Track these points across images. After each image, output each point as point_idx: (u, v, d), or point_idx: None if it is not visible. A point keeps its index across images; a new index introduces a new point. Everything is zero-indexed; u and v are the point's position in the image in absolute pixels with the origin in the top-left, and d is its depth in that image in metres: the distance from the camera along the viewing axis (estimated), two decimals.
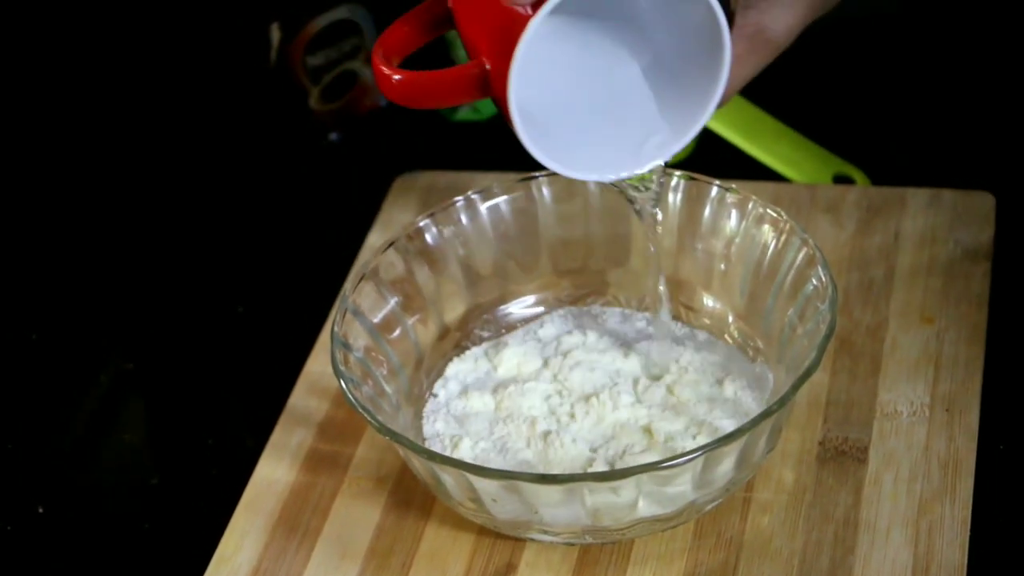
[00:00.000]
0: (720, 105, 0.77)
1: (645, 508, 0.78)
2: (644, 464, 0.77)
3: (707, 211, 0.89)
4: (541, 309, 0.92)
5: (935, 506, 0.81)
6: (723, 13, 0.74)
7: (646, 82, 0.79)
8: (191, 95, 1.19)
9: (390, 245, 0.88)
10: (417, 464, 0.80)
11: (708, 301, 0.90)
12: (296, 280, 1.03)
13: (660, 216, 0.83)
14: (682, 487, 0.78)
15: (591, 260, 0.92)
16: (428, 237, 0.90)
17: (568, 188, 0.91)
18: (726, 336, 0.89)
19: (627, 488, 0.77)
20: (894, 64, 1.13)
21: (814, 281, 0.83)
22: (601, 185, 0.90)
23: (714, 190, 0.89)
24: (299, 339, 0.95)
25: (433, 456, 0.78)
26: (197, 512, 0.89)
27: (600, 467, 0.82)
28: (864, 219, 0.97)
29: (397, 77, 0.78)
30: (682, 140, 0.78)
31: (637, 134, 0.79)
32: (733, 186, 0.88)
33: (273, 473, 0.88)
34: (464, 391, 0.88)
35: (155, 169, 1.14)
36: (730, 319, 0.89)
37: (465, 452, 0.84)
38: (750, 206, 0.87)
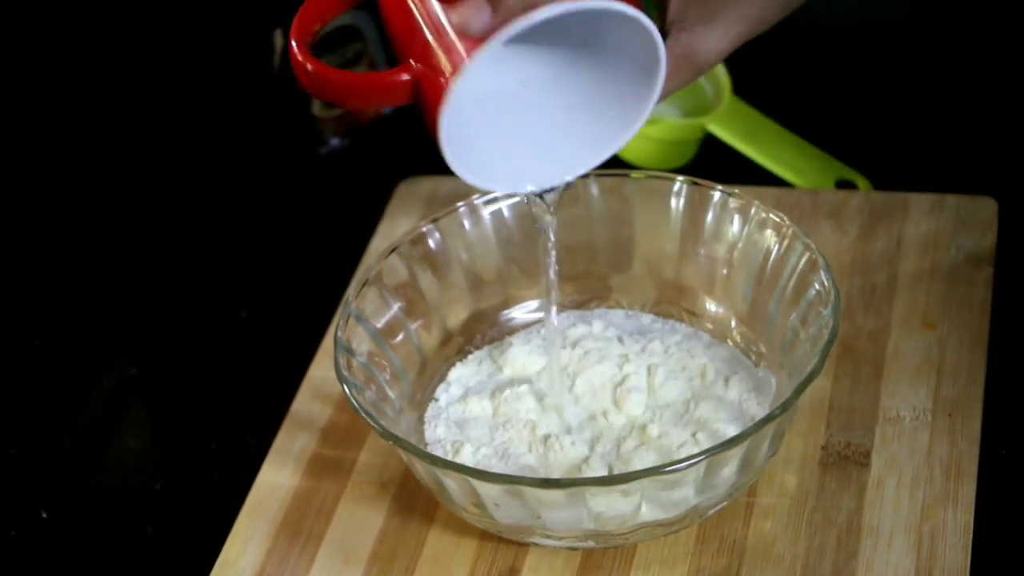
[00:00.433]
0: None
1: (648, 513, 0.78)
2: (647, 468, 0.77)
3: (710, 216, 0.89)
4: (543, 314, 0.92)
5: (938, 511, 0.81)
6: (660, 38, 0.73)
7: (573, 96, 0.78)
8: (195, 101, 1.19)
9: (393, 250, 0.88)
10: (420, 469, 0.80)
11: (711, 306, 0.90)
12: (299, 285, 1.03)
13: (554, 225, 0.83)
14: (685, 491, 0.78)
15: (594, 265, 0.92)
16: (431, 242, 0.90)
17: (571, 193, 0.91)
18: (728, 341, 0.89)
19: (630, 492, 0.77)
20: (896, 70, 1.13)
21: (816, 286, 0.83)
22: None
23: (717, 195, 0.89)
24: (302, 344, 0.95)
25: (436, 461, 0.79)
26: (200, 517, 0.89)
27: (598, 468, 0.82)
28: (867, 224, 0.97)
29: (309, 67, 0.75)
30: (605, 153, 0.78)
31: (560, 147, 0.79)
32: (736, 191, 0.88)
33: (276, 478, 0.88)
34: (464, 396, 0.88)
35: (159, 174, 1.14)
36: (733, 324, 0.89)
37: (466, 458, 0.84)
38: (753, 211, 0.88)
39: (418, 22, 0.72)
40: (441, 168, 1.07)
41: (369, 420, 0.80)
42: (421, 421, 0.87)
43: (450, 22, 0.71)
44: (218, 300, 1.03)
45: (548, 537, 0.80)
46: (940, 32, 1.15)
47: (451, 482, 0.79)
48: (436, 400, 0.88)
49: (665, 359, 0.87)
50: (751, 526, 0.82)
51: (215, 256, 1.07)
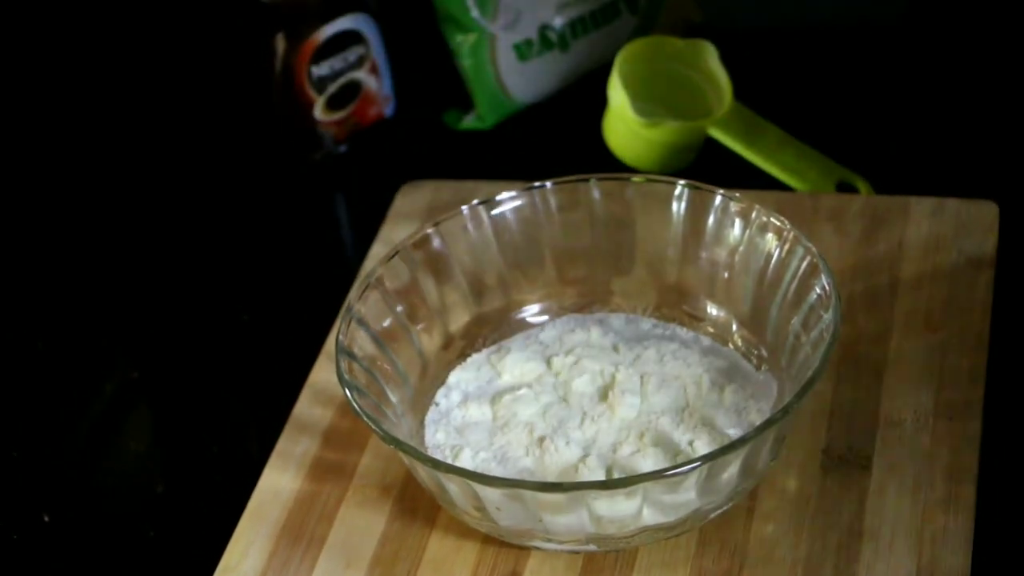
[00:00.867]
0: None
1: (649, 516, 0.78)
2: (649, 472, 0.77)
3: (711, 220, 0.89)
4: (546, 318, 0.92)
5: (939, 515, 0.81)
6: None
7: None
8: (196, 104, 1.19)
9: (395, 254, 0.88)
10: (422, 473, 0.81)
11: (712, 309, 0.90)
12: (301, 289, 1.03)
13: None
14: (686, 495, 0.78)
15: (595, 268, 0.92)
16: (433, 246, 0.90)
17: (572, 197, 0.91)
18: (729, 345, 0.89)
19: (631, 496, 0.77)
20: (897, 73, 1.13)
21: (818, 290, 0.83)
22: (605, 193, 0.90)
23: (718, 199, 0.89)
24: (304, 348, 0.96)
25: (438, 465, 0.79)
26: (202, 520, 0.89)
27: (595, 468, 0.82)
28: (868, 228, 0.97)
29: None
30: None
31: None
32: (737, 195, 0.88)
33: (278, 481, 0.88)
34: (464, 400, 0.88)
35: (160, 178, 1.14)
36: (734, 327, 0.89)
37: (466, 462, 0.84)
38: (754, 215, 0.88)
39: None
40: (443, 172, 1.07)
41: (371, 424, 0.80)
42: (422, 425, 0.87)
43: None
44: (220, 303, 1.03)
45: (549, 541, 0.80)
46: (941, 35, 1.15)
47: (453, 486, 0.79)
48: (436, 404, 0.88)
49: (659, 367, 0.87)
50: (752, 530, 0.82)
51: (217, 260, 1.07)
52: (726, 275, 0.89)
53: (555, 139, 1.13)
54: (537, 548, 0.82)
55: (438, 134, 1.14)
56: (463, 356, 0.91)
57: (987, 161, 1.05)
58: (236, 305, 1.03)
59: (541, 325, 0.92)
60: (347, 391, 0.81)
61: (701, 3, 1.18)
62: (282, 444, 0.90)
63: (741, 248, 0.88)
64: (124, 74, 1.22)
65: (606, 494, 0.77)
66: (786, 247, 0.86)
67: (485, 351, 0.91)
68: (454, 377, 0.89)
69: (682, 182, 0.90)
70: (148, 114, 1.19)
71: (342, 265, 1.05)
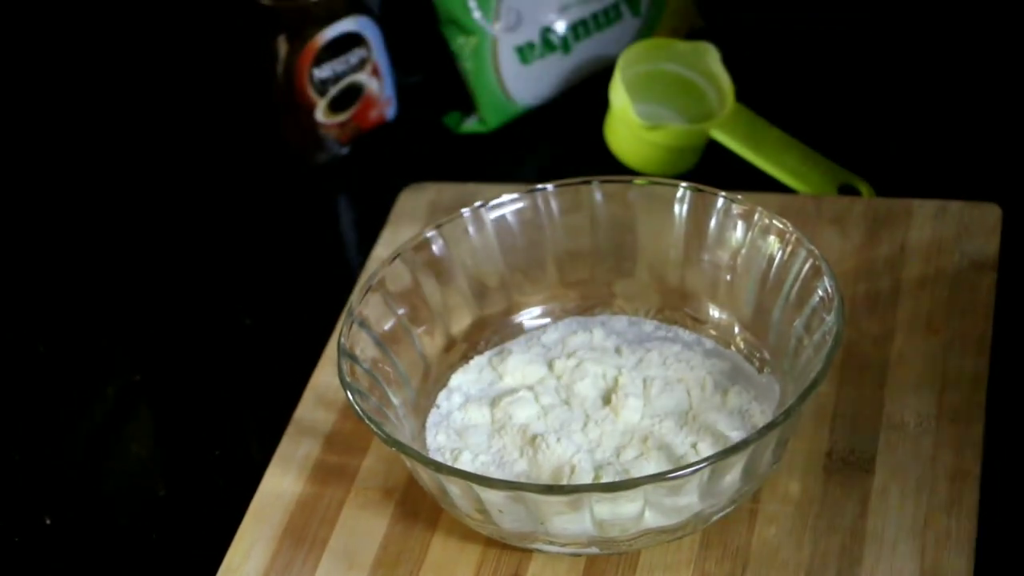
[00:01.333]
0: None
1: (651, 519, 0.78)
2: (651, 475, 0.77)
3: (713, 222, 0.89)
4: (548, 320, 0.92)
5: (941, 517, 0.81)
6: None
7: None
8: (198, 107, 1.19)
9: (396, 257, 0.88)
10: (424, 475, 0.80)
11: (714, 312, 0.90)
12: (303, 292, 1.03)
13: None
14: (689, 498, 0.78)
15: (597, 271, 0.92)
16: (434, 249, 0.90)
17: (574, 200, 0.91)
18: (732, 347, 0.89)
19: (633, 498, 0.77)
20: (900, 75, 1.13)
21: (820, 292, 0.83)
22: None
23: (720, 201, 0.89)
24: (306, 351, 0.95)
25: (440, 467, 0.79)
26: (204, 523, 0.89)
27: (586, 465, 0.82)
28: (870, 230, 0.97)
29: None
30: None
31: None
32: (739, 197, 0.88)
33: (280, 484, 0.88)
34: (464, 403, 0.88)
35: (162, 181, 1.14)
36: (736, 330, 0.89)
37: (465, 465, 0.84)
38: (756, 217, 0.88)
39: None
40: (445, 174, 1.07)
41: (373, 426, 0.80)
42: (423, 427, 0.87)
43: None
44: (222, 307, 1.03)
45: (552, 543, 0.80)
46: (943, 38, 1.15)
47: (455, 488, 0.79)
48: (438, 407, 0.88)
49: (662, 370, 0.87)
50: (755, 532, 0.82)
51: (219, 263, 1.07)
52: (728, 277, 0.89)
53: (557, 141, 1.13)
54: (539, 551, 0.82)
55: (440, 136, 1.14)
56: (465, 359, 0.91)
57: (989, 163, 1.05)
58: (238, 308, 1.03)
59: (543, 327, 0.92)
60: (349, 394, 0.81)
61: (703, 7, 1.18)
62: (284, 447, 0.90)
63: (743, 250, 0.88)
64: (126, 77, 1.22)
65: (608, 496, 0.77)
66: (788, 249, 0.86)
67: (487, 354, 0.91)
68: (456, 380, 0.89)
69: (684, 184, 0.90)
70: (150, 117, 1.19)
71: (344, 268, 1.05)
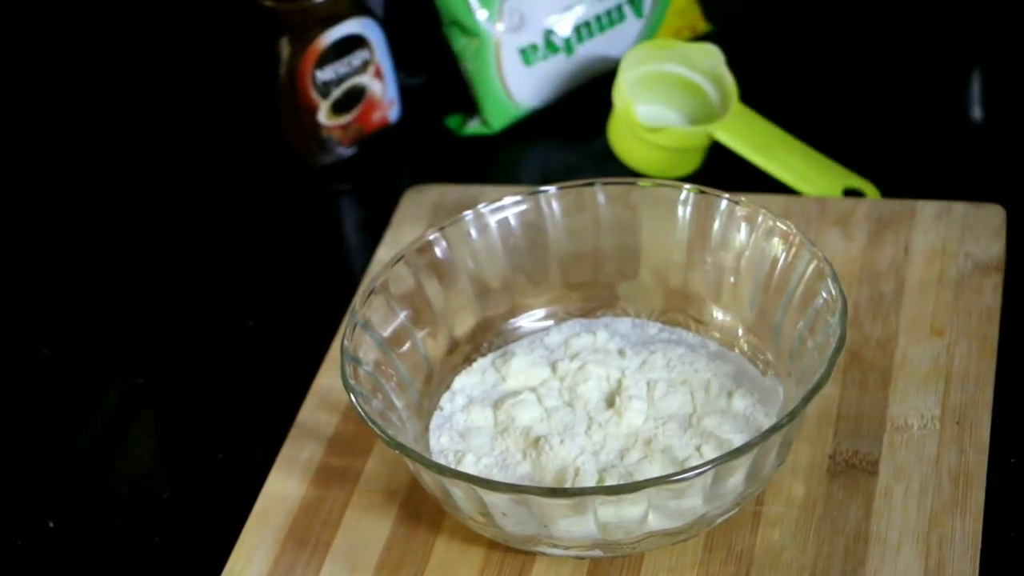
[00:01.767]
0: None
1: (655, 522, 0.78)
2: (655, 478, 0.77)
3: (717, 224, 0.89)
4: (551, 322, 0.92)
5: (946, 519, 0.81)
6: None
7: None
8: (201, 109, 1.19)
9: (399, 259, 0.88)
10: (427, 478, 0.80)
11: (718, 314, 0.90)
12: (306, 294, 1.03)
13: None
14: (692, 500, 0.78)
15: (600, 273, 0.92)
16: (437, 251, 0.90)
17: (577, 202, 0.91)
18: (736, 349, 0.89)
19: (637, 501, 0.77)
20: (904, 77, 1.13)
21: (824, 294, 0.83)
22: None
23: (724, 203, 0.89)
24: (309, 353, 0.95)
25: (443, 470, 0.78)
26: (207, 526, 0.89)
27: (590, 467, 0.82)
28: (874, 232, 0.97)
29: None
30: None
31: None
32: (743, 199, 0.88)
33: (283, 487, 0.88)
34: (467, 405, 0.88)
35: (164, 183, 1.14)
36: (740, 332, 0.89)
37: (468, 468, 0.84)
38: (760, 219, 0.87)
39: None
40: (448, 176, 1.07)
41: (376, 429, 0.80)
42: (426, 430, 0.87)
43: None
44: (224, 309, 1.03)
45: (555, 546, 0.80)
46: (948, 40, 1.15)
47: (458, 491, 0.79)
48: (441, 409, 0.88)
49: (666, 373, 0.87)
50: (759, 535, 0.82)
51: (221, 265, 1.07)
52: (732, 280, 0.89)
53: (560, 143, 1.13)
54: (543, 554, 0.82)
55: (443, 138, 1.14)
56: (468, 361, 0.91)
57: (993, 165, 1.05)
58: (241, 310, 1.03)
59: (546, 329, 0.92)
60: (352, 396, 0.81)
61: (706, 7, 1.18)
62: (287, 449, 0.90)
63: (747, 252, 0.88)
64: (129, 79, 1.22)
65: (612, 499, 0.76)
66: (792, 251, 0.86)
67: (490, 356, 0.91)
68: (459, 382, 0.89)
69: (688, 186, 0.89)
70: (153, 119, 1.19)
71: (347, 270, 1.05)
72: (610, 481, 0.82)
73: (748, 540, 0.82)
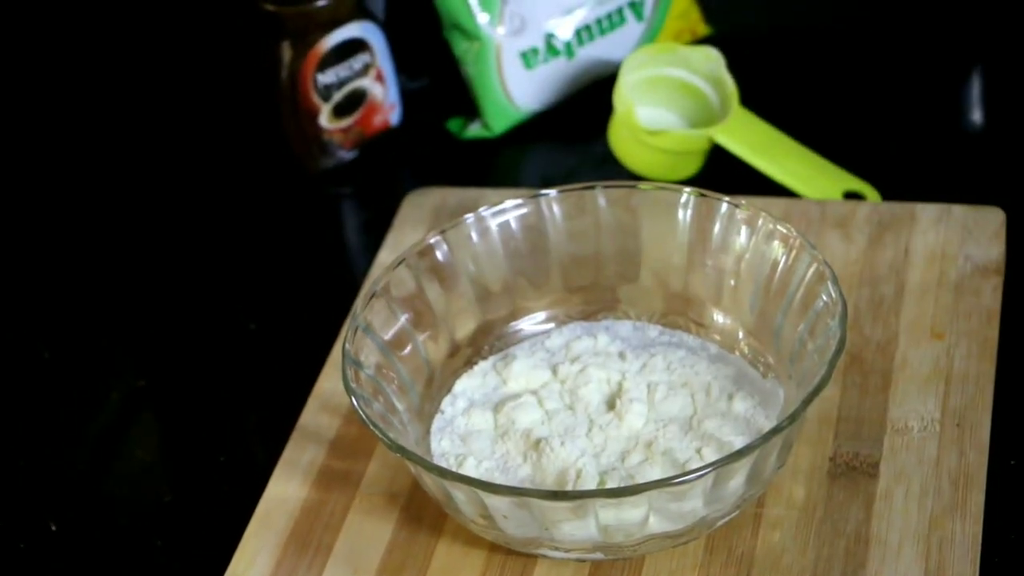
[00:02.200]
0: None
1: (656, 524, 0.78)
2: (655, 480, 0.77)
3: (717, 227, 0.89)
4: (552, 325, 0.92)
5: (946, 521, 0.81)
6: None
7: None
8: (202, 113, 1.19)
9: (401, 262, 0.89)
10: (428, 481, 0.81)
11: (718, 317, 0.90)
12: (308, 297, 1.03)
13: None
14: (693, 503, 0.78)
15: (601, 276, 0.92)
16: (438, 254, 0.90)
17: (578, 205, 0.91)
18: (736, 352, 0.89)
19: (638, 504, 0.77)
20: (904, 79, 1.13)
21: (824, 297, 0.83)
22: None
23: (724, 206, 0.89)
24: (311, 356, 0.96)
25: (444, 473, 0.79)
26: (209, 529, 0.89)
27: (591, 469, 0.82)
28: (874, 235, 0.97)
29: None
30: None
31: None
32: (743, 202, 0.88)
33: (285, 490, 0.88)
34: (468, 408, 0.88)
35: (166, 186, 1.14)
36: (740, 335, 0.89)
37: (470, 471, 0.84)
38: (760, 222, 0.88)
39: None
40: (449, 179, 1.08)
41: (377, 432, 0.80)
42: (427, 433, 0.87)
43: None
44: (226, 312, 1.03)
45: (556, 549, 0.80)
46: (947, 43, 1.15)
47: (459, 494, 0.79)
48: (442, 412, 0.88)
49: (667, 375, 0.87)
50: (759, 537, 0.82)
51: (223, 268, 1.07)
52: (732, 282, 0.89)
53: (561, 147, 1.13)
54: (544, 556, 0.82)
55: (444, 142, 1.14)
56: (469, 364, 0.91)
57: (993, 167, 1.05)
58: (242, 313, 1.03)
59: (547, 333, 0.92)
60: (353, 399, 0.81)
61: (707, 11, 1.18)
62: (289, 452, 0.90)
63: (747, 255, 0.88)
64: (130, 82, 1.22)
65: (613, 502, 0.77)
66: (792, 254, 0.86)
67: (491, 359, 0.91)
68: (460, 385, 0.89)
69: (688, 189, 0.90)
70: (154, 122, 1.19)
71: (348, 273, 1.05)
72: (611, 484, 0.82)
73: (749, 542, 0.82)
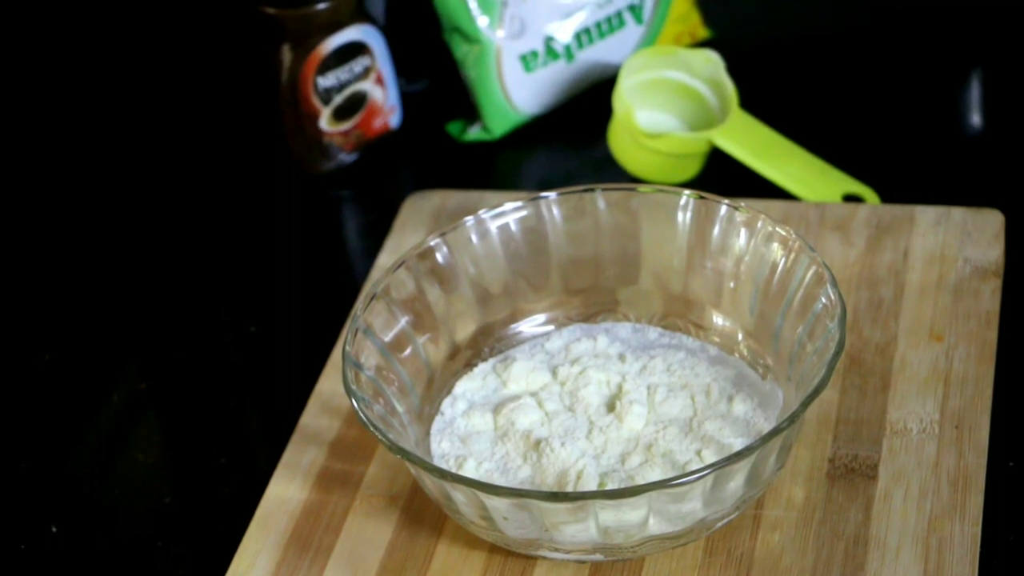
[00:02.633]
0: None
1: (656, 526, 0.79)
2: (655, 482, 0.77)
3: (716, 230, 0.89)
4: (551, 328, 0.92)
5: (945, 523, 0.81)
6: None
7: None
8: (202, 116, 1.19)
9: (401, 264, 0.89)
10: (428, 482, 0.81)
11: (717, 319, 0.90)
12: (308, 300, 1.03)
13: None
14: (692, 504, 0.78)
15: (601, 278, 0.92)
16: (438, 256, 0.90)
17: (578, 207, 0.91)
18: (735, 354, 0.89)
19: (637, 505, 0.77)
20: (903, 83, 1.13)
21: (823, 299, 0.83)
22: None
23: (723, 209, 0.89)
24: (311, 358, 0.96)
25: (444, 474, 0.79)
26: (210, 531, 0.89)
27: (591, 471, 0.82)
28: (873, 237, 0.97)
29: None
30: None
31: None
32: (742, 205, 0.89)
33: (285, 492, 0.88)
34: (468, 410, 0.88)
35: (166, 189, 1.14)
36: (739, 337, 0.89)
37: (470, 473, 0.84)
38: (759, 224, 0.88)
39: None
40: (449, 182, 1.08)
41: (377, 434, 0.80)
42: (427, 435, 0.87)
43: None
44: (227, 314, 1.04)
45: (556, 550, 0.80)
46: (946, 45, 1.15)
47: (459, 496, 0.79)
48: (442, 414, 0.88)
49: (667, 377, 0.87)
50: (759, 539, 0.82)
51: (224, 271, 1.07)
52: (732, 285, 0.89)
53: (560, 149, 1.13)
54: (544, 558, 0.82)
55: (444, 144, 1.14)
56: (469, 366, 0.91)
57: (992, 170, 1.05)
58: (243, 316, 1.03)
59: (547, 335, 0.92)
60: (354, 401, 0.82)
61: (707, 14, 1.18)
62: (289, 454, 0.90)
63: (746, 258, 0.88)
64: (130, 86, 1.22)
65: (612, 503, 0.77)
66: (791, 256, 0.86)
67: (491, 361, 0.91)
68: (460, 387, 0.90)
69: (687, 192, 0.90)
70: (154, 125, 1.19)
71: (349, 275, 1.05)
72: (611, 485, 0.82)
73: (748, 544, 0.82)
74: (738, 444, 0.83)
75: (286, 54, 1.09)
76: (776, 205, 1.00)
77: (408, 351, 0.88)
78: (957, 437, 0.85)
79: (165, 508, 0.91)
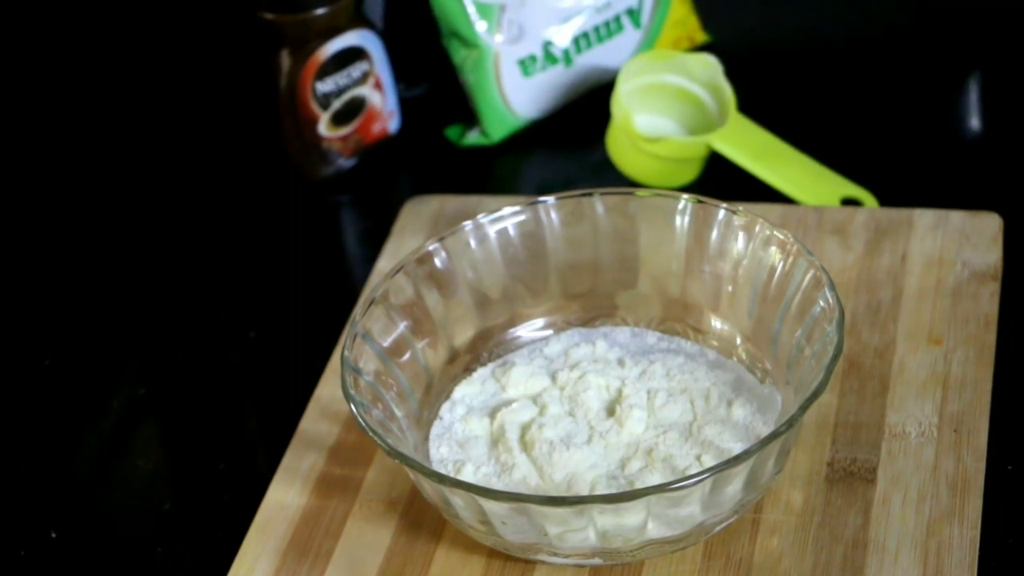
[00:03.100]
0: None
1: (654, 530, 0.79)
2: (654, 486, 0.77)
3: (714, 234, 0.89)
4: (550, 332, 0.92)
5: (944, 526, 0.81)
6: None
7: None
8: (201, 121, 1.19)
9: (399, 269, 0.89)
10: (427, 487, 0.81)
11: (716, 323, 0.90)
12: (307, 305, 1.04)
13: None
14: (691, 508, 0.78)
15: (599, 283, 0.92)
16: (437, 261, 0.90)
17: (576, 212, 0.91)
18: (734, 358, 0.89)
19: (636, 509, 0.77)
20: (902, 87, 1.13)
21: (821, 303, 0.83)
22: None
23: (721, 213, 0.89)
24: (310, 363, 0.96)
25: (443, 479, 0.79)
26: (209, 536, 0.89)
27: (593, 479, 0.82)
28: (872, 241, 0.97)
29: None
30: None
31: None
32: (740, 208, 0.89)
33: (284, 497, 0.88)
34: (467, 415, 0.88)
35: (165, 194, 1.14)
36: (738, 341, 0.89)
37: (468, 477, 0.84)
38: (757, 228, 0.88)
39: None
40: (447, 187, 1.08)
41: (376, 439, 0.80)
42: (426, 439, 0.87)
43: None
44: (226, 320, 1.04)
45: (555, 554, 0.81)
46: (945, 48, 1.15)
47: (458, 500, 0.79)
48: (441, 419, 0.88)
49: (666, 382, 0.87)
50: (757, 543, 0.82)
51: (223, 276, 1.07)
52: (730, 289, 0.89)
53: (559, 154, 1.13)
54: (543, 562, 0.82)
55: (442, 149, 1.14)
56: (468, 371, 0.91)
57: (990, 173, 1.05)
58: (242, 321, 1.03)
59: (545, 339, 0.92)
60: (353, 406, 0.82)
61: (705, 18, 1.18)
62: (288, 459, 0.90)
63: (745, 262, 0.88)
64: (129, 90, 1.22)
65: (611, 508, 0.77)
66: (790, 260, 0.86)
67: (490, 365, 0.91)
68: (459, 392, 0.90)
69: (686, 196, 0.90)
70: (154, 130, 1.19)
71: (347, 280, 1.05)
72: (610, 490, 0.82)
73: (747, 548, 0.82)
74: (737, 448, 0.83)
75: (285, 59, 1.09)
76: (774, 209, 1.00)
77: (407, 356, 0.88)
78: (956, 441, 0.85)
79: (165, 513, 0.91)
